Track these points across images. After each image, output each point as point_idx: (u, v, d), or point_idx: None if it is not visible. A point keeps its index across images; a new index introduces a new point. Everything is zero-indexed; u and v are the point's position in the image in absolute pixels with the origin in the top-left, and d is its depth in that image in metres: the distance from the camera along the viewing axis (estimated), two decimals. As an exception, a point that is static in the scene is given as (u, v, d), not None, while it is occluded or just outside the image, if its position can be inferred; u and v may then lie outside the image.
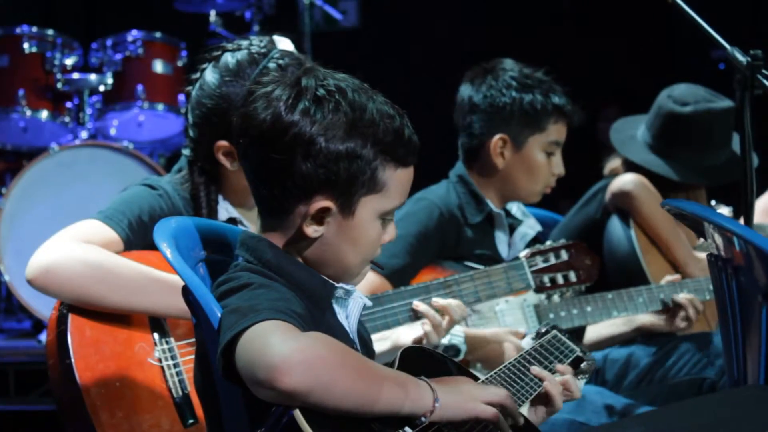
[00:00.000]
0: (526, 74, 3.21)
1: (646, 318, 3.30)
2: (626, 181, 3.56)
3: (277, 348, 1.68)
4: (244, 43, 2.69)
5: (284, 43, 2.74)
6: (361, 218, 1.91)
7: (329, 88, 1.89)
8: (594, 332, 3.39)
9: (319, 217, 1.90)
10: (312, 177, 1.87)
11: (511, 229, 3.30)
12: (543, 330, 2.32)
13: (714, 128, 3.59)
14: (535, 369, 2.11)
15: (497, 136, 3.19)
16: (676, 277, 3.35)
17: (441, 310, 2.75)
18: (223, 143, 2.62)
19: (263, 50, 2.66)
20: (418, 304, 2.75)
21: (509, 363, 2.12)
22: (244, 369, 1.72)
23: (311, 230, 1.91)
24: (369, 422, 1.74)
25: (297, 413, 1.68)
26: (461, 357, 2.88)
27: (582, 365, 2.28)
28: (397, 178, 1.93)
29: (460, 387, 1.85)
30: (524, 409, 2.05)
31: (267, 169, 1.89)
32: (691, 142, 3.59)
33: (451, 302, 2.77)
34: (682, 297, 3.22)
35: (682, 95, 3.62)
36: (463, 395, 1.82)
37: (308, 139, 1.86)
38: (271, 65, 2.62)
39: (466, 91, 3.26)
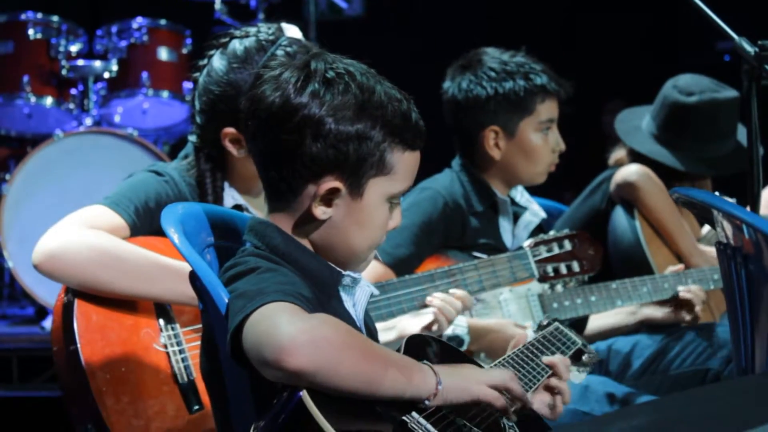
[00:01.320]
0: (504, 61, 3.19)
1: (651, 310, 3.30)
2: (631, 172, 3.56)
3: (285, 328, 1.69)
4: (252, 30, 2.69)
5: (292, 31, 2.74)
6: (369, 200, 1.93)
7: (338, 71, 1.90)
8: (598, 321, 3.39)
9: (328, 199, 1.91)
10: (321, 157, 1.88)
11: (515, 218, 3.30)
12: (545, 323, 2.33)
13: (719, 118, 3.59)
14: (547, 358, 2.12)
15: (488, 129, 3.18)
16: (680, 266, 3.35)
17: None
18: (230, 130, 2.62)
19: (271, 37, 2.66)
20: (432, 299, 2.76)
21: (512, 353, 2.13)
22: (251, 350, 1.73)
23: (320, 211, 1.91)
24: (375, 405, 1.74)
25: (305, 395, 1.68)
26: (464, 348, 2.88)
27: (583, 357, 2.29)
28: (404, 161, 1.94)
29: (464, 371, 1.87)
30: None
31: (276, 150, 1.90)
32: (697, 132, 3.59)
33: (456, 293, 2.77)
34: (685, 291, 3.22)
35: (687, 85, 3.61)
36: (466, 379, 1.84)
37: (317, 119, 1.87)
38: (279, 52, 2.62)
39: (449, 89, 3.25)
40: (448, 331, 2.86)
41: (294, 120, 1.87)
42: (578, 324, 3.33)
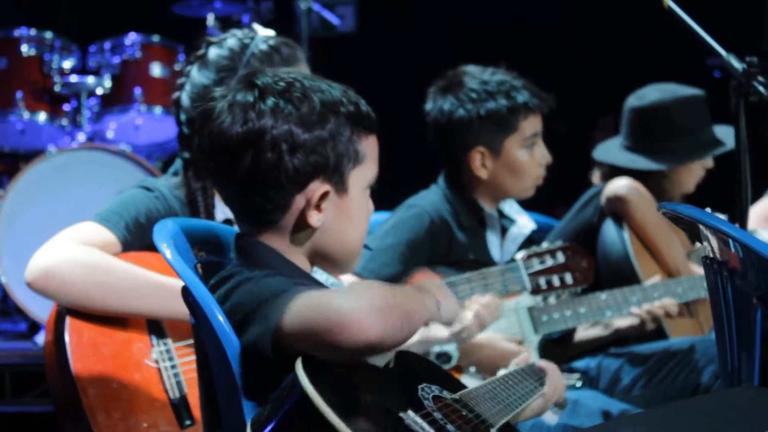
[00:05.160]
0: (484, 80, 3.19)
1: (622, 321, 3.30)
2: (620, 186, 3.58)
3: (348, 302, 1.69)
4: (227, 34, 2.72)
5: (264, 32, 2.76)
6: (353, 193, 1.96)
7: (287, 80, 1.93)
8: (581, 334, 3.39)
9: (318, 205, 1.93)
10: (304, 167, 1.90)
11: (504, 231, 3.30)
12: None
13: (674, 116, 3.64)
14: (542, 362, 2.17)
15: (474, 151, 3.19)
16: (656, 277, 3.38)
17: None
18: None
19: (250, 35, 2.69)
20: (472, 304, 2.76)
21: (499, 378, 2.15)
22: (311, 338, 1.70)
23: (315, 219, 1.93)
24: (374, 399, 1.75)
25: (308, 387, 1.67)
26: (453, 363, 2.87)
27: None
28: (370, 146, 1.98)
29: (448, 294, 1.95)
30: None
31: (255, 173, 1.90)
32: (655, 131, 3.66)
33: (494, 300, 2.78)
34: (643, 311, 3.21)
35: (643, 92, 3.72)
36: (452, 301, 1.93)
37: (288, 132, 1.89)
38: (262, 46, 2.65)
39: (431, 112, 3.24)
40: (436, 347, 2.85)
41: (266, 139, 1.88)
42: (566, 335, 3.34)
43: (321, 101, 1.91)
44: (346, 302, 1.69)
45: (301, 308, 1.73)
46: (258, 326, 1.79)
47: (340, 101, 1.93)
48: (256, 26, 2.78)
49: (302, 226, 1.94)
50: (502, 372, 2.24)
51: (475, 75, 3.21)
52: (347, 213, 1.96)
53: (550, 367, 2.27)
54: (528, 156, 3.19)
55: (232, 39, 2.68)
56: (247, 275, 1.87)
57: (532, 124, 3.20)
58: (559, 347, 3.34)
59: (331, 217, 1.95)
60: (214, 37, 2.73)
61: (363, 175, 1.97)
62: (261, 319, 1.78)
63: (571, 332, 3.36)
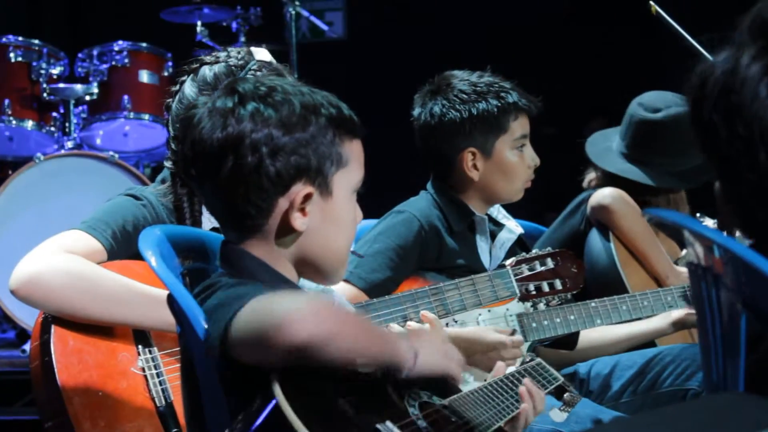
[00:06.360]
0: (473, 82, 3.19)
1: (681, 313, 3.29)
2: (605, 195, 3.57)
3: (286, 304, 1.71)
4: (222, 55, 2.70)
5: (262, 54, 2.74)
6: (338, 196, 1.96)
7: (268, 85, 1.94)
8: (626, 328, 3.36)
9: (301, 207, 1.92)
10: (286, 169, 1.90)
11: (493, 237, 3.30)
12: (528, 359, 2.35)
13: (685, 132, 3.60)
14: (528, 382, 2.15)
15: (465, 152, 3.18)
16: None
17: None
18: None
19: (240, 62, 2.67)
20: (411, 324, 2.75)
21: (491, 382, 2.15)
22: (250, 336, 1.72)
23: (299, 223, 1.92)
24: (350, 411, 1.75)
25: (281, 400, 1.67)
26: None
27: (565, 395, 2.30)
28: (355, 150, 1.99)
29: (435, 346, 1.97)
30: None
31: (237, 177, 1.90)
32: (665, 147, 3.61)
33: (427, 316, 2.77)
34: None
35: (652, 102, 3.65)
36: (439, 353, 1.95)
37: (268, 136, 1.89)
38: (248, 77, 2.62)
39: (420, 115, 3.24)
40: None
41: (245, 143, 1.88)
42: (569, 339, 3.32)
43: (301, 104, 1.92)
44: (286, 303, 1.72)
45: (246, 311, 1.74)
46: (211, 328, 1.81)
47: (321, 104, 1.94)
48: (255, 49, 2.75)
49: (287, 231, 1.93)
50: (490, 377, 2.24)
51: (463, 77, 3.21)
52: (333, 216, 1.96)
53: (537, 397, 2.20)
54: (518, 157, 3.20)
55: (222, 64, 2.66)
56: (225, 282, 1.87)
57: (521, 125, 3.20)
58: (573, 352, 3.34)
59: (316, 221, 1.94)
60: (210, 56, 2.71)
61: (348, 178, 1.97)
62: (214, 323, 1.80)
63: (572, 336, 3.34)
